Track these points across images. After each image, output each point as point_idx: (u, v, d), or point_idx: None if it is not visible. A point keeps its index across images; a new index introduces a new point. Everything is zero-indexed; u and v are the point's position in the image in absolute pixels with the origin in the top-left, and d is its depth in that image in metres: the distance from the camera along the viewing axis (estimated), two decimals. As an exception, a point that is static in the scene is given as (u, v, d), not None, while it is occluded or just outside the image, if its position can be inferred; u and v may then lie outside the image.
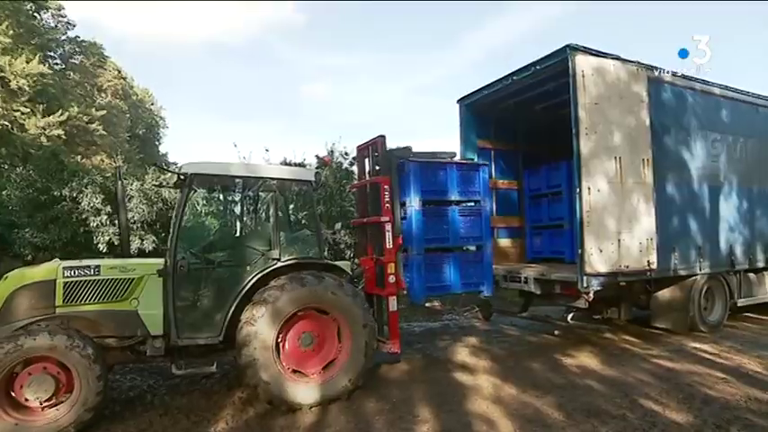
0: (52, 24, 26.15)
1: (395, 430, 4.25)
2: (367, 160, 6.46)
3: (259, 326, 4.58)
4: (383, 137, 6.04)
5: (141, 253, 11.91)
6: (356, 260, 6.42)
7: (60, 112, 23.37)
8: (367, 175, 6.43)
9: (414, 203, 6.20)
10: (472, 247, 6.82)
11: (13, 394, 4.11)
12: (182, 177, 4.88)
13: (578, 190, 6.11)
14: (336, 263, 5.41)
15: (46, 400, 4.09)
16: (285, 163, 12.18)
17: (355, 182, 7.71)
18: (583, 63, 6.16)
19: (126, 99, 33.91)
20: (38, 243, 11.07)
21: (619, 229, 6.26)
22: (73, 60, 28.33)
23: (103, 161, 25.29)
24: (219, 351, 4.89)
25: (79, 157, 24.51)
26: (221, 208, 5.42)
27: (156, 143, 41.43)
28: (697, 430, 4.07)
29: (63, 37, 27.00)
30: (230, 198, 5.37)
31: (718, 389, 5.03)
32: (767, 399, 4.71)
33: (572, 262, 6.84)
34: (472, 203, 6.73)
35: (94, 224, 11.13)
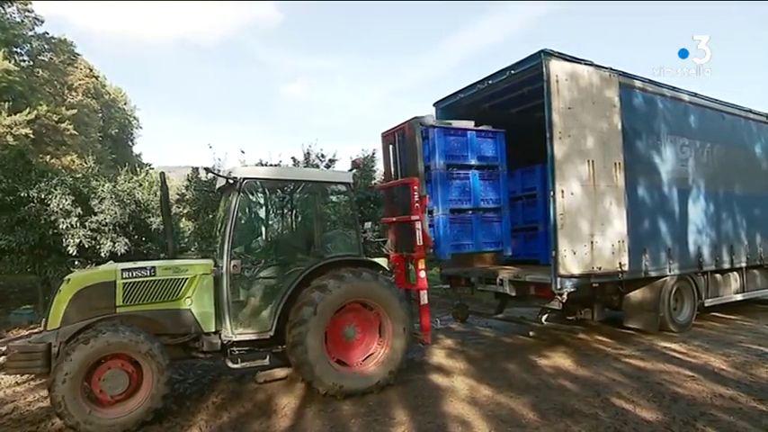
0: (18, 19, 25.27)
1: (371, 433, 4.24)
2: (392, 147, 6.64)
3: (309, 319, 4.88)
4: (409, 122, 6.32)
5: (113, 256, 11.65)
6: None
7: (28, 110, 22.66)
8: (392, 163, 6.69)
9: (438, 166, 6.58)
10: (492, 209, 7.19)
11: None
12: (230, 182, 5.10)
13: (552, 193, 6.19)
14: (375, 260, 5.75)
15: (119, 395, 4.38)
16: (261, 165, 12.08)
17: (380, 170, 8.03)
18: (557, 68, 6.25)
19: (98, 98, 33.10)
20: (3, 246, 10.70)
21: (591, 231, 6.37)
22: (41, 57, 27.47)
23: (74, 162, 24.62)
24: (265, 346, 5.14)
25: (48, 157, 23.83)
26: (267, 210, 5.75)
27: (130, 143, 40.59)
28: (666, 427, 4.17)
29: (30, 33, 26.12)
30: (276, 200, 5.67)
31: (686, 387, 5.17)
32: (731, 395, 4.87)
33: (546, 264, 6.92)
34: (491, 168, 7.13)
35: (64, 226, 10.81)
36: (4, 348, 4.61)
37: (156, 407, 4.44)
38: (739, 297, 9.00)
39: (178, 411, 4.86)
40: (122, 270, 4.77)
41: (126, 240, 11.65)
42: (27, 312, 11.06)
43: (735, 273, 8.90)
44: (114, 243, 11.36)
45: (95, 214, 11.40)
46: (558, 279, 6.13)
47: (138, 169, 17.94)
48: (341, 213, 5.91)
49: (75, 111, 27.23)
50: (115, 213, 11.48)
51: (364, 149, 13.36)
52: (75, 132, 26.76)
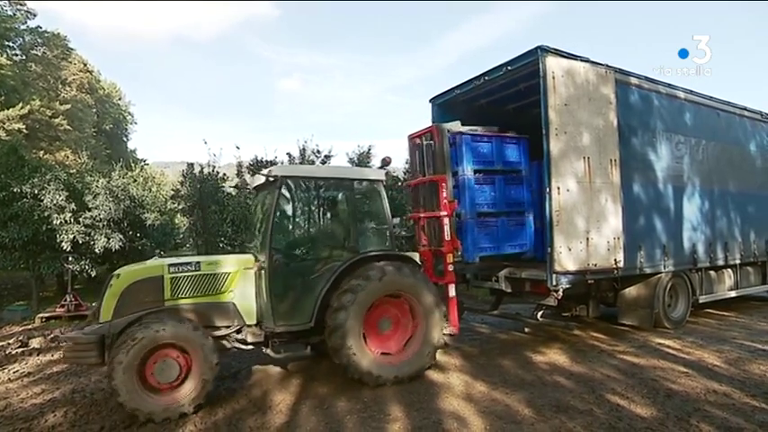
0: (10, 12, 24.94)
1: (366, 429, 4.23)
2: (418, 150, 6.76)
3: (349, 310, 5.10)
4: (439, 125, 6.50)
5: (107, 252, 11.59)
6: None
7: (21, 105, 22.49)
8: (418, 165, 6.80)
9: (466, 172, 6.83)
10: (516, 213, 7.32)
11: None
12: (270, 179, 5.33)
13: (548, 189, 6.19)
14: (408, 254, 5.94)
15: (170, 382, 4.59)
16: (257, 161, 12.05)
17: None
18: (553, 65, 6.24)
19: (92, 93, 32.88)
20: (-4, 241, 10.64)
21: (587, 228, 6.38)
22: (34, 52, 27.20)
23: (68, 157, 24.49)
24: (302, 337, 5.32)
25: (42, 152, 23.67)
26: (305, 206, 5.96)
27: (125, 139, 40.41)
28: (660, 423, 4.19)
29: (22, 26, 25.80)
30: (313, 197, 5.88)
31: (680, 383, 5.20)
32: (724, 391, 4.91)
33: (542, 260, 6.96)
34: (515, 173, 7.27)
35: (57, 222, 10.76)
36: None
37: (199, 400, 4.63)
38: (733, 294, 9.05)
39: (173, 408, 4.84)
40: (169, 265, 5.00)
41: (120, 236, 11.60)
42: (21, 308, 11.00)
43: (729, 270, 8.95)
44: (109, 239, 11.32)
45: (89, 210, 11.35)
46: (554, 275, 6.14)
47: (132, 165, 17.86)
48: (372, 209, 6.08)
49: (68, 106, 27.05)
50: (109, 209, 11.42)
51: (360, 145, 13.40)
52: (68, 127, 26.59)
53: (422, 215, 6.65)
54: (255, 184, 6.14)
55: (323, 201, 5.95)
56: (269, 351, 5.18)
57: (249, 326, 5.19)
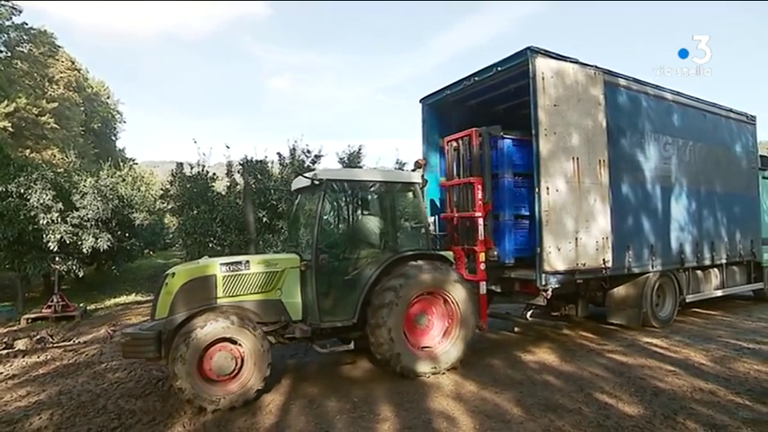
0: (-6, 8, 24.57)
1: (356, 429, 4.22)
2: (456, 152, 6.97)
3: (390, 307, 5.32)
4: (478, 129, 6.66)
5: (95, 252, 11.47)
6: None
7: (6, 102, 22.19)
8: (455, 167, 7.04)
9: (506, 175, 6.95)
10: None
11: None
12: (315, 183, 5.55)
13: (537, 190, 6.24)
14: (443, 253, 6.17)
15: (226, 375, 4.80)
16: (247, 160, 11.99)
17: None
18: (543, 65, 6.28)
19: (80, 92, 32.53)
20: (-20, 242, 10.47)
21: (576, 228, 6.43)
22: (20, 49, 26.81)
23: (55, 156, 24.18)
24: (344, 332, 5.60)
25: (28, 150, 23.39)
26: (347, 208, 6.20)
27: (113, 138, 40.05)
28: (647, 421, 4.22)
29: (7, 23, 25.42)
30: (354, 199, 6.17)
31: (667, 381, 5.25)
32: (710, 389, 4.97)
33: (532, 260, 6.99)
34: None
35: (44, 221, 10.62)
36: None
37: (251, 395, 4.83)
38: (719, 293, 9.16)
39: (162, 409, 4.81)
40: (221, 264, 5.22)
41: (109, 236, 11.49)
42: (6, 309, 10.85)
43: (715, 269, 9.06)
44: (97, 239, 11.20)
45: (77, 209, 11.22)
46: (543, 275, 6.18)
47: (121, 164, 17.70)
48: (409, 210, 6.50)
49: (56, 104, 26.75)
50: (97, 209, 11.31)
51: (350, 145, 13.39)
52: (56, 126, 26.29)
53: (455, 215, 6.84)
54: (297, 187, 6.34)
55: (364, 202, 6.24)
56: (315, 346, 5.47)
57: (295, 322, 5.41)
